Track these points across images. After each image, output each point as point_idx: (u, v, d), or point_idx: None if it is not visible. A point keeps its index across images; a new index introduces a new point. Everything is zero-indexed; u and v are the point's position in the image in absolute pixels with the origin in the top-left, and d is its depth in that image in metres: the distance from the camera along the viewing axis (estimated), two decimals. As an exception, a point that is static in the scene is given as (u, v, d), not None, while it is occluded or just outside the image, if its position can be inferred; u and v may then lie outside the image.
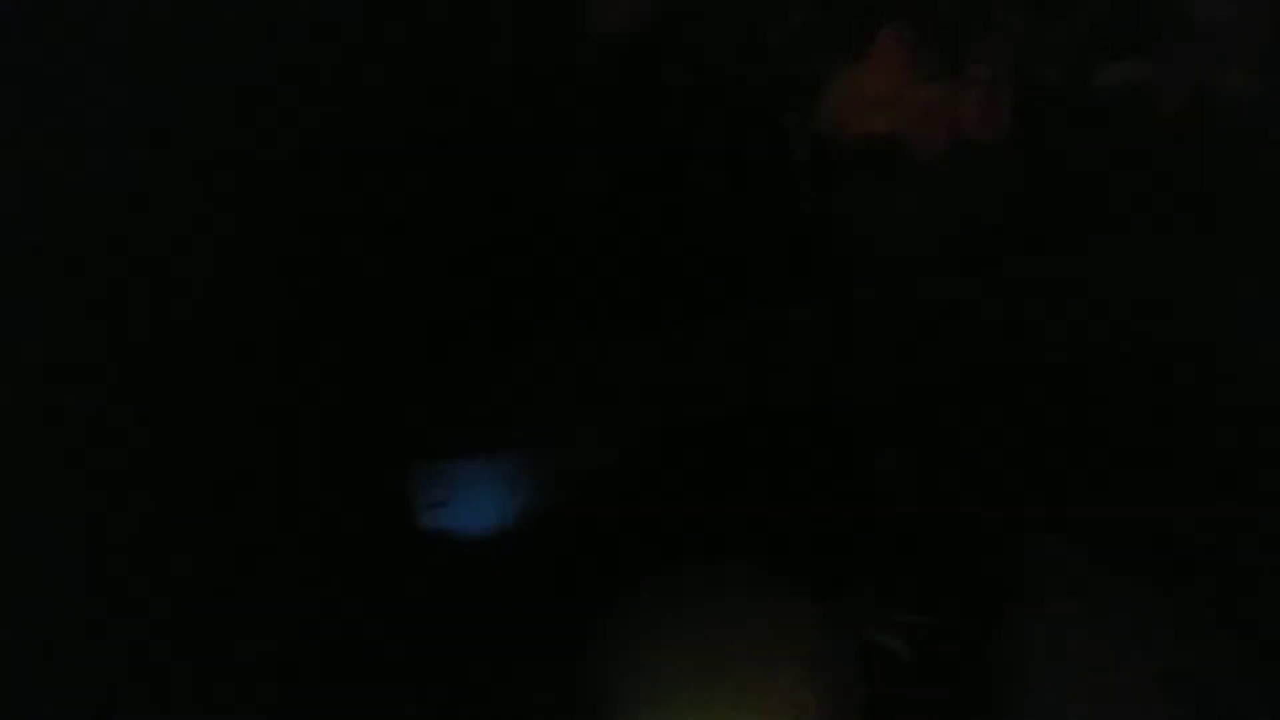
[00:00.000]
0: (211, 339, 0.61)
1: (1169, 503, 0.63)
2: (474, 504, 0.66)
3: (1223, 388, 0.62)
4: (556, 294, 0.64)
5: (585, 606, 0.62)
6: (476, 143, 0.64)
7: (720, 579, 0.64)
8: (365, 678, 0.60)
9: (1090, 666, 0.64)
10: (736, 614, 0.64)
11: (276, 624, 0.60)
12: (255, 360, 0.62)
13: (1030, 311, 0.62)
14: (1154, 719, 0.63)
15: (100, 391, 0.58)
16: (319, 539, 0.63)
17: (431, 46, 0.62)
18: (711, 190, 0.66)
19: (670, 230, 0.65)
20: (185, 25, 0.58)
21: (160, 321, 0.60)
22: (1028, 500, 0.64)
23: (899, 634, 0.65)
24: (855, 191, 0.65)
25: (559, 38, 0.64)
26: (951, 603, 0.66)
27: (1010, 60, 0.63)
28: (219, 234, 0.61)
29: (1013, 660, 0.65)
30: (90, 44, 0.57)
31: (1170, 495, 0.63)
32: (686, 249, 0.65)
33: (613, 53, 0.65)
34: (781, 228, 0.65)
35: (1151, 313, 0.63)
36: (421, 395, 0.65)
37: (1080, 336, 0.63)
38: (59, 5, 0.57)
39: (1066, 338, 0.62)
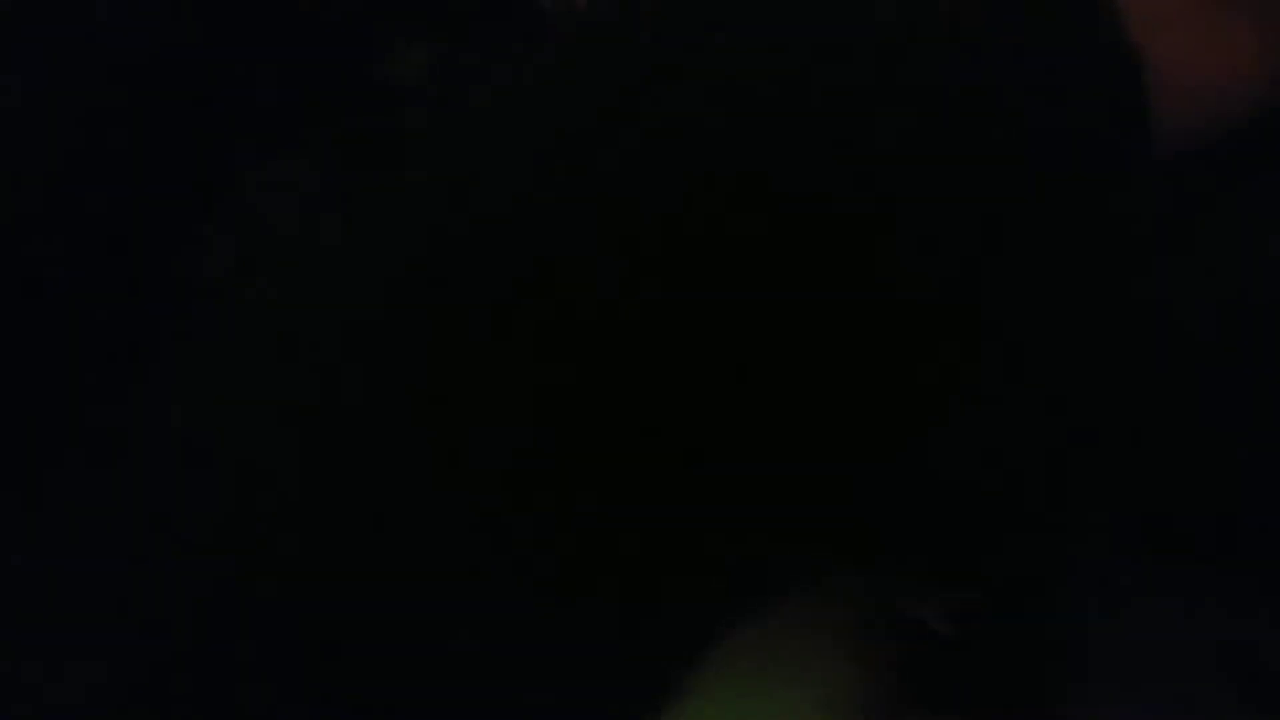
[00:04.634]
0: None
1: (1217, 477, 0.61)
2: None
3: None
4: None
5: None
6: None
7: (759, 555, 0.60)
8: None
9: (1142, 640, 0.61)
10: (775, 589, 0.61)
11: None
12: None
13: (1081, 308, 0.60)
14: (1209, 694, 0.60)
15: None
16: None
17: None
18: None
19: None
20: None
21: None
22: (1076, 476, 0.61)
23: (941, 610, 0.62)
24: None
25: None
26: (995, 578, 0.62)
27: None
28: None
29: (1059, 637, 0.62)
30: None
31: (1218, 470, 0.61)
32: None
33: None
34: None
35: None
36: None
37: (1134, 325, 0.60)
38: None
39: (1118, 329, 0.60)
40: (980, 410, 0.61)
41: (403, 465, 0.45)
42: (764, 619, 0.61)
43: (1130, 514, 0.63)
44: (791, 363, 0.49)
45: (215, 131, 0.52)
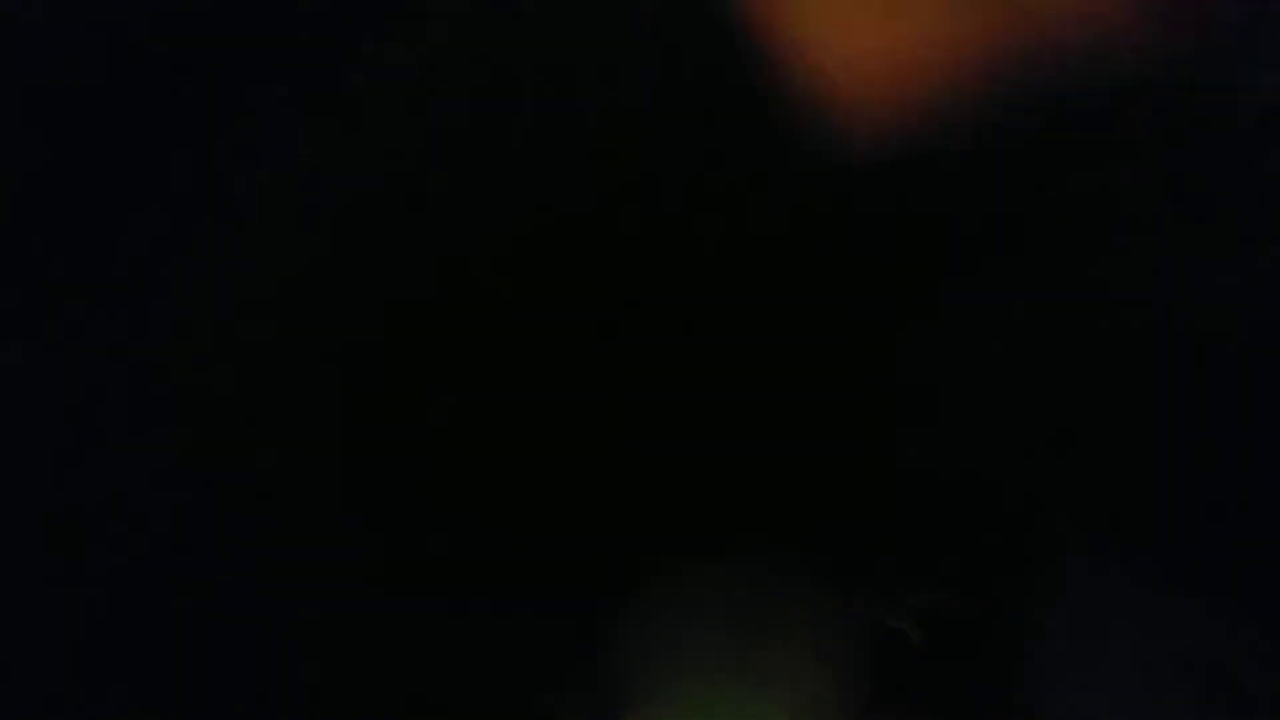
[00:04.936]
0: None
1: (1186, 486, 0.61)
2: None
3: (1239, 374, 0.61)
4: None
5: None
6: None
7: (733, 561, 0.61)
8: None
9: (1108, 651, 0.62)
10: (748, 596, 0.61)
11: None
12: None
13: (1048, 297, 0.60)
14: (1174, 704, 0.60)
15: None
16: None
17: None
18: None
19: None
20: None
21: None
22: (1047, 483, 0.61)
23: (912, 618, 0.62)
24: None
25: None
26: (967, 586, 0.62)
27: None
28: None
29: (1028, 645, 0.62)
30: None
31: (1188, 479, 0.61)
32: None
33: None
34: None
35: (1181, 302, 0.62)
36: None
37: (1103, 323, 0.61)
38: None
39: (1089, 323, 0.61)
40: (957, 414, 0.62)
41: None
42: (742, 628, 0.61)
43: (1102, 522, 0.63)
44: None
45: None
